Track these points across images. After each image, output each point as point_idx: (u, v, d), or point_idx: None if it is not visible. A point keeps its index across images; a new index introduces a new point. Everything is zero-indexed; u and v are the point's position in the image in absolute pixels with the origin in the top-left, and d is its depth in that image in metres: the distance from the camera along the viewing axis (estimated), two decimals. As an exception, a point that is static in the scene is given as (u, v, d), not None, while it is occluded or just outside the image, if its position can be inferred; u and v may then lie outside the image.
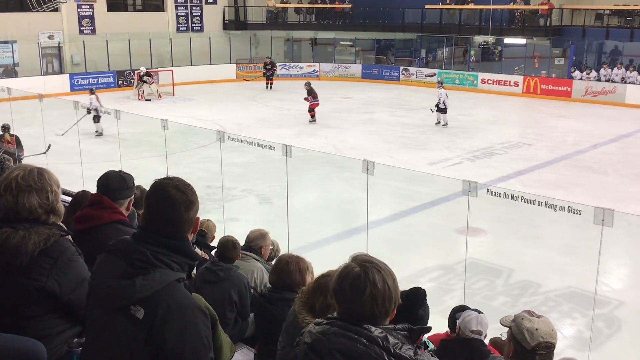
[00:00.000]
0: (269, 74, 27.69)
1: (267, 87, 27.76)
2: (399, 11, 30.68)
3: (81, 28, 27.66)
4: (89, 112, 16.69)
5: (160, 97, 24.80)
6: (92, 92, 18.05)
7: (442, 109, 19.44)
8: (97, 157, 13.84)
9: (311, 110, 19.89)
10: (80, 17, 27.63)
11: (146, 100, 24.29)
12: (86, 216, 3.24)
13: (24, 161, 11.69)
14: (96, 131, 17.39)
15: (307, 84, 20.21)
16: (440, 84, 20.36)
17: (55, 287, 2.49)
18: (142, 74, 24.69)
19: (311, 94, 19.82)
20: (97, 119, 17.17)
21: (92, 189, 3.57)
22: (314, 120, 19.78)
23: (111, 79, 27.05)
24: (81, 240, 2.92)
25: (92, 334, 2.19)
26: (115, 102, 21.72)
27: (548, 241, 10.16)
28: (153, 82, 24.89)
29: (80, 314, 2.45)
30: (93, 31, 27.84)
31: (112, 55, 27.17)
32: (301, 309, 3.20)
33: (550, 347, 2.87)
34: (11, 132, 12.22)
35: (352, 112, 21.93)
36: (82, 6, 27.61)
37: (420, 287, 3.84)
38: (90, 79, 26.42)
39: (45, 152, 13.17)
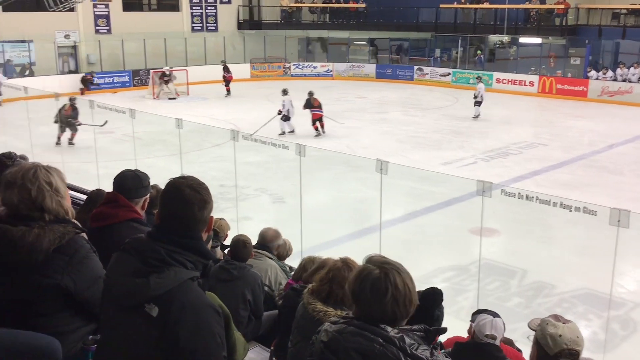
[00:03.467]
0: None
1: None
2: (414, 10, 30.60)
3: (97, 27, 27.86)
4: (279, 113, 17.62)
5: (178, 95, 24.99)
6: (285, 92, 18.08)
7: (479, 102, 20.57)
8: (112, 156, 13.92)
9: (318, 121, 18.11)
10: (96, 17, 27.83)
11: (170, 98, 24.61)
12: (102, 214, 3.27)
13: (80, 128, 15.60)
14: (284, 132, 17.80)
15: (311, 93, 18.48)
16: (479, 79, 21.74)
17: (70, 285, 2.50)
18: (166, 72, 25.03)
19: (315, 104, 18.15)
20: (286, 118, 17.90)
21: (107, 187, 3.60)
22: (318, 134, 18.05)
23: (126, 79, 27.22)
24: (96, 238, 2.94)
25: (107, 331, 2.21)
26: (130, 101, 21.87)
27: (563, 242, 10.09)
28: (171, 81, 25.09)
29: (95, 311, 2.47)
30: (109, 31, 28.04)
31: (127, 55, 27.34)
32: (311, 299, 3.21)
33: (574, 355, 2.80)
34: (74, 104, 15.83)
35: (365, 112, 21.90)
36: (98, 6, 27.81)
37: (437, 288, 3.82)
38: (106, 79, 26.64)
39: (102, 125, 14.24)
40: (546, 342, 2.80)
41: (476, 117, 20.66)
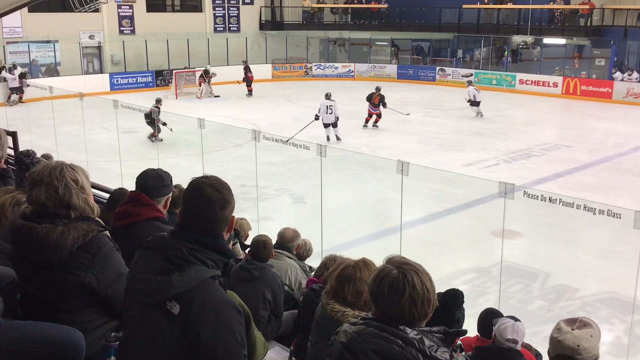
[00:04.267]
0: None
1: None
2: (436, 11, 30.41)
3: (121, 28, 28.15)
4: (317, 118, 17.48)
5: (211, 95, 25.47)
6: (326, 97, 17.63)
7: (472, 102, 20.90)
8: (135, 155, 14.08)
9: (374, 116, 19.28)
10: (120, 18, 28.13)
11: (215, 96, 25.15)
12: (125, 213, 3.32)
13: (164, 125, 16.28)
14: (328, 137, 17.45)
15: (378, 88, 19.36)
16: (470, 83, 22.17)
17: (94, 282, 2.54)
18: (210, 72, 25.39)
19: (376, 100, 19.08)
20: (326, 125, 17.43)
21: (130, 186, 3.64)
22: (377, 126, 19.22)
23: (150, 79, 27.44)
24: (119, 236, 2.98)
25: (129, 328, 2.24)
26: (153, 101, 22.01)
27: (586, 245, 9.97)
28: (205, 81, 25.38)
29: (118, 308, 2.50)
30: (132, 31, 28.31)
31: (150, 55, 27.55)
32: (329, 299, 3.21)
33: None
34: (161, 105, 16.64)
35: (386, 112, 21.79)
36: (122, 7, 28.09)
37: (458, 289, 3.81)
38: (130, 79, 26.91)
39: (171, 130, 15.50)
40: (549, 344, 2.79)
41: (477, 115, 20.91)
